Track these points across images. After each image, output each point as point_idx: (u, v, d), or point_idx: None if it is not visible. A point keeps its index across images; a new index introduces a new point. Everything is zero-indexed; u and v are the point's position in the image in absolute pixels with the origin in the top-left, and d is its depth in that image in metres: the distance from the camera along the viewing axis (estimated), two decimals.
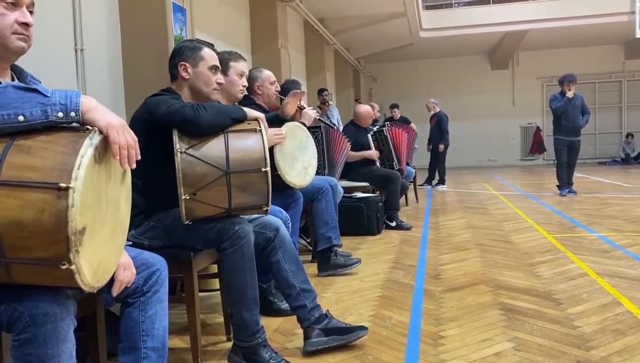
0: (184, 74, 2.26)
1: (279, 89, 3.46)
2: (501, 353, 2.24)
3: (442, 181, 9.70)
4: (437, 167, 9.71)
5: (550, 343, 2.32)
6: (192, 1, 4.58)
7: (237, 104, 2.87)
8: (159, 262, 1.69)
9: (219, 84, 2.31)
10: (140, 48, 3.82)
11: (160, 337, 1.66)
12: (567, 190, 7.59)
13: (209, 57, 2.28)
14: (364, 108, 5.75)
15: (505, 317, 2.66)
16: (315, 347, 2.28)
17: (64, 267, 1.11)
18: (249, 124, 2.11)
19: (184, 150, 1.98)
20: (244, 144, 2.05)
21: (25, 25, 1.40)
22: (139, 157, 1.32)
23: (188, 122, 2.01)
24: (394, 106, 10.16)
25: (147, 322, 1.63)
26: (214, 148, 2.01)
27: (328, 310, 2.42)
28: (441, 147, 9.45)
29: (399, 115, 10.07)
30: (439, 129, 9.52)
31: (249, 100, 3.32)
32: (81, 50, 3.51)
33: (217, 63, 2.31)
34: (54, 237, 1.09)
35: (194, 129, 2.02)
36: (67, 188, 1.09)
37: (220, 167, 2.00)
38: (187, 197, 1.98)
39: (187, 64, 2.25)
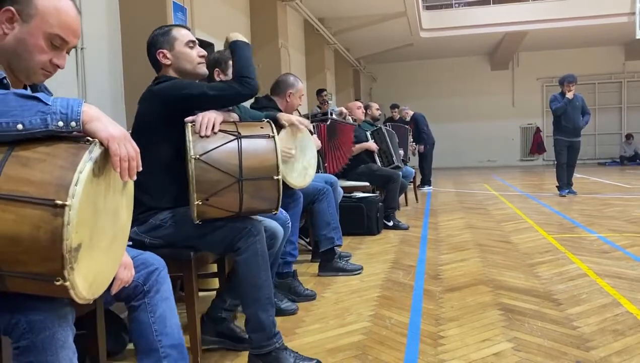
0: (164, 60, 2.24)
1: (301, 104, 3.51)
2: (501, 353, 2.24)
3: (427, 182, 9.69)
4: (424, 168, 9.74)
5: (550, 343, 2.32)
6: (192, 0, 4.58)
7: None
8: (157, 262, 1.68)
9: (202, 56, 2.27)
10: (141, 47, 3.79)
11: (175, 335, 1.63)
12: (566, 191, 7.59)
13: (182, 35, 2.26)
14: (352, 103, 6.10)
15: (505, 317, 2.66)
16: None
17: (58, 283, 1.10)
18: (262, 128, 2.11)
19: (197, 156, 1.98)
20: (257, 151, 2.05)
21: (56, 66, 1.41)
22: (140, 169, 1.29)
23: (241, 94, 2.13)
24: (394, 106, 10.19)
25: (158, 321, 1.61)
26: (227, 154, 2.01)
27: (231, 318, 2.46)
28: (421, 147, 9.46)
29: (398, 116, 10.09)
30: (417, 131, 9.57)
31: (271, 102, 3.34)
32: (81, 49, 3.51)
33: (193, 38, 2.28)
34: (49, 254, 1.08)
35: (246, 91, 2.12)
36: (63, 206, 1.07)
37: (233, 174, 2.00)
38: (200, 203, 1.99)
39: (164, 50, 2.23)
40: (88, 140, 1.18)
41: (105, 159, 1.22)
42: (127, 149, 1.24)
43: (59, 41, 1.39)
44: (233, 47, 2.19)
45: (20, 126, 1.13)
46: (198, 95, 2.08)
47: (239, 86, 2.09)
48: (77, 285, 1.13)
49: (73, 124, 1.18)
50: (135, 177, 1.28)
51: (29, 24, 1.36)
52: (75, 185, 1.09)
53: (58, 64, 1.40)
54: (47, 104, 1.17)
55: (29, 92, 1.22)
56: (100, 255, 1.25)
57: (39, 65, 1.38)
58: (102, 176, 1.22)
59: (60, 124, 1.16)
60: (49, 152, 1.14)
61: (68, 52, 1.44)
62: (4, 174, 1.10)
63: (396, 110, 10.14)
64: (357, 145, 5.42)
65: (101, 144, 1.20)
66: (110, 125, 1.23)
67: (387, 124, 8.81)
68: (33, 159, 1.13)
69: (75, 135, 1.20)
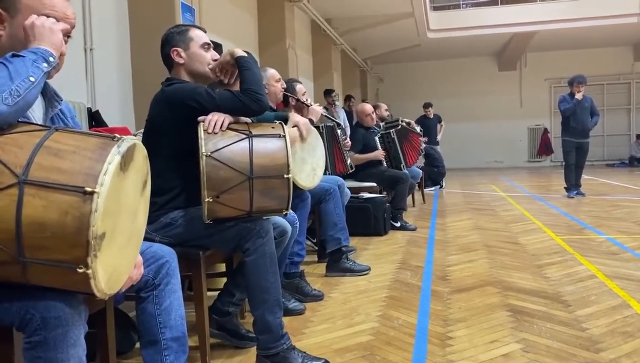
0: (177, 59, 2.23)
1: (284, 86, 3.47)
2: (509, 354, 2.23)
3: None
4: None
5: (559, 345, 2.30)
6: (200, 1, 4.61)
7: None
8: (167, 254, 1.70)
9: (215, 60, 2.27)
10: (150, 48, 3.83)
11: (178, 327, 1.67)
12: (575, 192, 7.55)
13: (198, 36, 2.26)
14: (360, 106, 5.80)
15: (514, 319, 2.65)
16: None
17: (80, 270, 1.11)
18: (273, 128, 2.12)
19: (209, 153, 1.99)
20: (267, 150, 2.06)
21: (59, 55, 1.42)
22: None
23: (249, 108, 2.10)
24: (427, 105, 10.17)
25: (163, 314, 1.65)
26: (238, 153, 2.02)
27: (237, 314, 2.49)
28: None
29: (432, 115, 10.10)
30: (430, 165, 9.59)
31: None
32: (90, 49, 3.54)
33: (208, 41, 2.28)
34: (75, 240, 1.10)
35: (257, 107, 2.10)
36: (92, 193, 1.10)
37: (244, 172, 2.01)
38: (211, 200, 2.00)
39: (178, 49, 2.23)
40: (116, 137, 1.22)
41: (130, 158, 1.25)
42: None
43: None
44: (242, 62, 2.14)
45: (32, 78, 1.26)
46: (209, 108, 2.08)
47: (252, 103, 2.08)
48: (98, 275, 1.15)
49: (51, 59, 1.33)
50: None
51: (18, 18, 1.38)
52: (104, 174, 1.13)
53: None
54: (23, 56, 1.28)
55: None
56: (119, 251, 1.27)
57: None
58: (127, 173, 1.25)
59: (45, 65, 1.30)
60: (79, 144, 1.18)
61: (66, 38, 1.45)
62: (35, 163, 1.14)
63: (430, 109, 10.12)
64: (363, 155, 5.36)
65: (127, 138, 1.25)
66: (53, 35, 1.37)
67: (419, 122, 9.16)
68: (63, 150, 1.17)
69: (104, 134, 1.25)
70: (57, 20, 1.40)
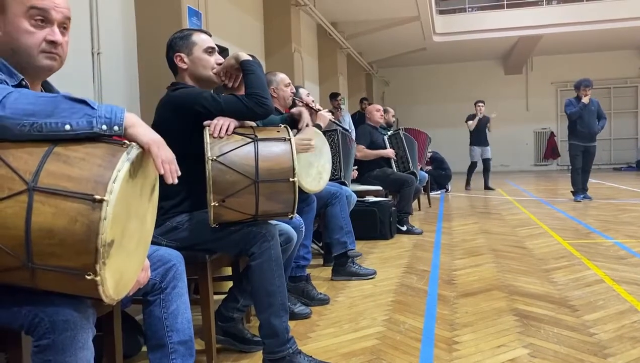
0: (181, 64, 2.25)
1: (294, 90, 3.49)
2: (516, 359, 2.22)
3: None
4: None
5: (567, 350, 2.29)
6: (207, 6, 4.62)
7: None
8: (175, 257, 1.70)
9: (219, 64, 2.27)
10: (156, 52, 3.84)
11: (185, 331, 1.68)
12: (582, 196, 7.52)
13: (201, 40, 2.26)
14: (371, 105, 6.06)
15: (520, 323, 2.64)
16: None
17: (89, 277, 1.12)
18: (278, 132, 2.13)
19: (215, 158, 2.00)
20: (273, 153, 2.07)
21: (53, 43, 1.39)
22: (179, 173, 1.34)
23: (253, 112, 2.09)
24: (479, 102, 9.92)
25: (170, 317, 1.65)
26: (243, 156, 2.03)
27: (243, 319, 2.50)
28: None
29: (482, 114, 9.78)
30: (437, 171, 9.56)
31: None
32: (98, 53, 3.55)
33: (212, 45, 2.28)
34: (84, 247, 1.10)
35: (261, 111, 2.09)
36: (101, 201, 1.10)
37: (250, 176, 2.02)
38: (216, 204, 2.01)
39: (181, 54, 2.24)
40: (125, 143, 1.22)
41: (139, 164, 1.26)
42: (166, 152, 1.31)
43: (39, 14, 1.37)
44: (247, 66, 2.14)
45: (68, 127, 1.18)
46: (214, 112, 2.09)
47: (256, 107, 2.08)
48: (107, 282, 1.15)
49: (116, 128, 1.23)
50: (176, 180, 1.34)
51: (7, 14, 1.36)
52: (113, 182, 1.13)
53: (52, 39, 1.39)
54: (93, 108, 1.21)
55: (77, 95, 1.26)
56: (127, 257, 1.27)
57: (34, 48, 1.38)
58: (136, 179, 1.25)
59: (104, 127, 1.22)
60: (89, 151, 1.18)
61: (65, 29, 1.43)
62: (45, 170, 1.14)
63: (481, 106, 9.76)
64: (374, 151, 5.42)
65: (139, 146, 1.25)
66: (149, 131, 1.29)
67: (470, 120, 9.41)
68: (73, 157, 1.17)
69: (114, 140, 1.25)
70: (44, 10, 1.37)
